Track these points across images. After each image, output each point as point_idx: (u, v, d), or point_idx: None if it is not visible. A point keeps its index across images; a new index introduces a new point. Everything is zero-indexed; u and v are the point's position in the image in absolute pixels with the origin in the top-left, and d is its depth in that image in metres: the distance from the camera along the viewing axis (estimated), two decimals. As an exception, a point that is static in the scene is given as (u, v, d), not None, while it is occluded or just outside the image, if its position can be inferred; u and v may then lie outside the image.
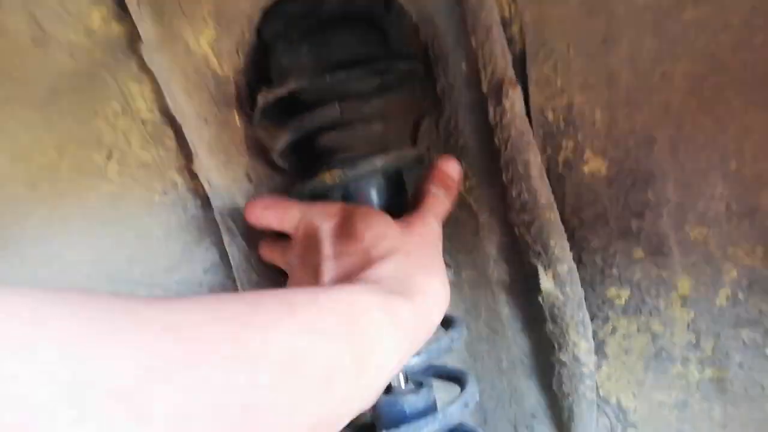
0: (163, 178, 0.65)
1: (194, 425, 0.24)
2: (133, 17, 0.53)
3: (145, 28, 0.55)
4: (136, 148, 0.63)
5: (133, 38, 0.56)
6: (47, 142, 0.60)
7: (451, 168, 0.58)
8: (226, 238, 0.65)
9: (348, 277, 0.46)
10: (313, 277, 0.49)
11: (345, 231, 0.49)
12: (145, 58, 0.57)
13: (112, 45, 0.56)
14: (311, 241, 0.51)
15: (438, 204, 0.55)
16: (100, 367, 0.22)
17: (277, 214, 0.55)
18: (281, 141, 0.57)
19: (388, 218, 0.50)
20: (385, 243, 0.47)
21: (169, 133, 0.63)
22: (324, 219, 0.52)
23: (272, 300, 0.34)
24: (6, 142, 0.59)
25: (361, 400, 0.38)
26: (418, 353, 0.56)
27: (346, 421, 0.36)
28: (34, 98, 0.58)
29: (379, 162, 0.56)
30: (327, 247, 0.49)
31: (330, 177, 0.55)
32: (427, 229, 0.51)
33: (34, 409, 0.19)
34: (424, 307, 0.44)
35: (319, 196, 0.58)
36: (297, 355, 0.31)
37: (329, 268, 0.47)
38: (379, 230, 0.48)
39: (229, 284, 0.69)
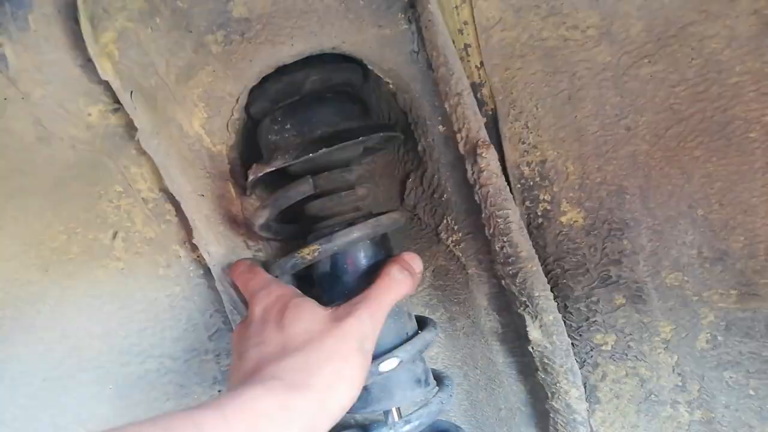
0: (166, 251, 0.68)
1: None
2: (127, 110, 0.58)
3: (139, 117, 0.59)
4: (140, 226, 0.67)
5: (130, 126, 0.61)
6: (56, 227, 0.64)
7: (415, 260, 0.60)
8: (227, 306, 0.68)
9: (260, 366, 0.49)
10: (238, 358, 0.53)
11: (273, 319, 0.53)
12: (142, 144, 0.60)
13: (111, 134, 0.61)
14: (249, 316, 0.57)
15: (392, 288, 0.57)
16: None
17: (241, 280, 0.61)
18: (261, 217, 0.60)
19: (318, 314, 0.53)
20: (303, 336, 0.51)
21: (170, 209, 0.67)
22: (262, 301, 0.56)
23: (184, 422, 0.38)
24: (19, 229, 0.63)
25: None
26: (408, 419, 0.58)
27: None
28: (42, 188, 0.62)
29: (355, 233, 0.58)
30: (253, 330, 0.54)
31: (309, 252, 0.58)
32: (354, 327, 0.52)
33: None
34: (322, 396, 0.47)
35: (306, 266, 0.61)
36: None
37: (249, 359, 0.51)
38: (302, 326, 0.52)
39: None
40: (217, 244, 0.66)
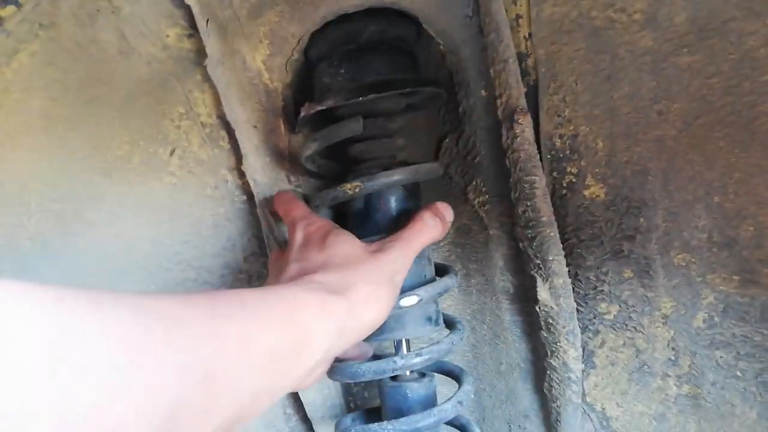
0: (216, 174, 0.74)
1: (169, 376, 0.32)
2: (202, 35, 0.63)
3: (211, 44, 0.64)
4: (195, 147, 0.73)
5: (200, 53, 0.66)
6: (123, 137, 0.70)
7: (447, 210, 0.65)
8: (265, 231, 0.74)
9: (300, 275, 0.54)
10: (278, 273, 0.59)
11: (315, 243, 0.59)
12: (209, 71, 0.66)
13: (183, 58, 0.67)
14: (289, 242, 0.62)
15: (423, 231, 0.61)
16: (104, 339, 0.29)
17: (285, 209, 0.67)
18: (309, 149, 0.65)
19: (356, 244, 0.59)
20: (343, 257, 0.56)
21: (224, 135, 0.73)
22: (304, 229, 0.62)
23: (229, 296, 0.43)
24: (90, 133, 0.70)
25: (295, 378, 0.47)
26: (419, 353, 0.64)
27: (283, 394, 0.47)
28: (114, 99, 0.68)
29: (396, 176, 0.63)
30: (295, 253, 0.59)
31: (351, 188, 0.64)
32: (388, 262, 0.57)
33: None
34: (357, 307, 0.52)
35: (344, 202, 0.67)
36: (248, 338, 0.40)
37: (290, 270, 0.56)
38: (343, 249, 0.57)
39: (264, 273, 0.79)
40: (263, 174, 0.72)
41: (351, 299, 0.52)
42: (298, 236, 0.62)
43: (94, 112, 0.69)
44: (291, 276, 0.55)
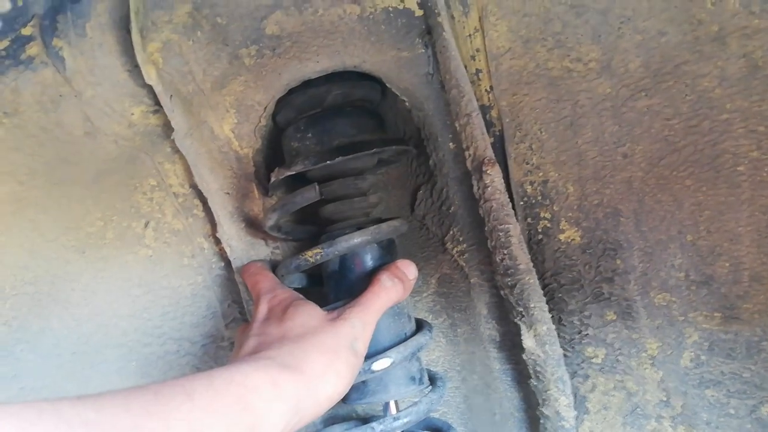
0: (191, 243, 0.74)
1: None
2: (166, 111, 0.63)
3: (177, 119, 0.64)
4: (169, 218, 0.72)
5: (167, 127, 0.66)
6: (95, 214, 0.70)
7: (408, 267, 0.64)
8: (244, 296, 0.73)
9: (256, 351, 0.53)
10: (239, 348, 0.57)
11: (276, 316, 0.58)
12: (177, 143, 0.66)
13: (150, 133, 0.67)
14: (253, 315, 0.62)
15: (381, 294, 0.61)
16: None
17: (251, 281, 0.66)
18: (270, 219, 0.65)
19: (315, 313, 0.58)
20: (300, 329, 0.55)
21: (198, 204, 0.72)
22: (268, 302, 0.61)
23: (174, 389, 0.42)
24: (61, 214, 0.70)
25: None
26: (398, 416, 0.62)
27: None
28: (85, 178, 0.68)
29: (356, 239, 0.63)
30: (256, 327, 0.58)
31: (311, 255, 0.63)
32: (346, 329, 0.56)
33: None
34: (312, 381, 0.51)
35: (319, 264, 0.66)
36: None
37: (248, 346, 0.55)
38: (301, 320, 0.56)
39: (248, 336, 0.78)
40: (239, 240, 0.72)
41: (306, 373, 0.50)
42: (262, 310, 0.61)
43: (64, 193, 0.69)
44: (247, 352, 0.54)
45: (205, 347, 0.77)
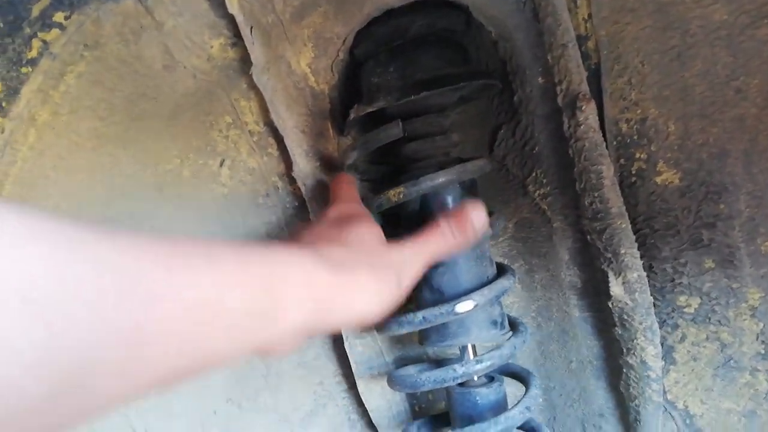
0: (266, 182, 0.73)
1: (76, 327, 0.27)
2: (246, 44, 0.61)
3: (256, 52, 0.62)
4: (245, 156, 0.72)
5: (244, 61, 0.65)
6: (172, 151, 0.70)
7: (476, 215, 0.58)
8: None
9: (310, 244, 0.49)
10: (290, 238, 0.54)
11: (340, 222, 0.55)
12: (254, 78, 0.64)
13: (227, 68, 0.65)
14: (312, 226, 0.57)
15: (437, 240, 0.57)
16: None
17: (336, 189, 0.63)
18: (350, 158, 0.63)
19: (375, 232, 0.54)
20: (354, 240, 0.52)
21: (273, 143, 0.71)
22: (338, 208, 0.58)
23: (196, 249, 0.36)
24: (139, 150, 0.69)
25: (253, 347, 0.40)
26: (481, 359, 0.61)
27: (233, 360, 0.39)
28: (162, 114, 0.68)
29: (440, 179, 0.61)
30: (319, 225, 0.55)
31: (394, 194, 0.61)
32: (396, 259, 0.53)
33: None
34: (348, 291, 0.47)
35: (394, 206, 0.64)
36: (205, 297, 0.35)
37: (304, 237, 0.53)
38: (358, 233, 0.53)
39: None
40: (314, 179, 0.70)
41: (345, 279, 0.47)
42: (330, 214, 0.58)
43: (142, 128, 0.68)
44: (301, 241, 0.51)
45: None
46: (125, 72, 0.63)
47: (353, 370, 0.76)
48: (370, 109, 0.62)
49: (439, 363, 0.74)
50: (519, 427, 0.68)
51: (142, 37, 0.60)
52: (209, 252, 0.37)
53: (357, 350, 0.75)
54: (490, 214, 0.66)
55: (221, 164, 0.72)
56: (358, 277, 0.48)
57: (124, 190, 0.71)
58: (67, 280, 0.28)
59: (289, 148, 0.69)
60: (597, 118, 0.60)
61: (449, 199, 0.64)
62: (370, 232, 0.55)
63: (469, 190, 0.66)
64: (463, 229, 0.58)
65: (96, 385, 0.29)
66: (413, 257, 0.55)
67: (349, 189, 0.64)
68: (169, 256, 0.34)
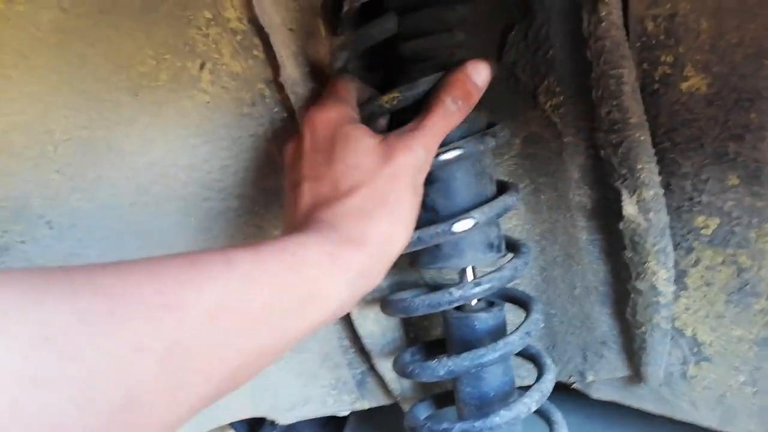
0: (252, 89, 0.67)
1: (116, 362, 0.29)
2: (224, -74, 0.54)
3: (236, -64, 0.55)
4: (227, 59, 0.65)
5: (224, -53, 0.57)
6: (146, 50, 0.63)
7: (481, 73, 0.53)
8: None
9: (314, 209, 0.49)
10: (291, 193, 0.53)
11: (324, 148, 0.51)
12: (235, -34, 0.58)
13: (204, -47, 0.58)
14: (299, 144, 0.55)
15: (445, 118, 0.52)
16: (35, 317, 0.27)
17: (329, 93, 0.58)
18: (340, 60, 0.57)
19: (369, 146, 0.50)
20: (354, 176, 0.48)
21: (258, 43, 0.64)
22: (315, 121, 0.53)
23: (213, 257, 0.38)
24: (110, 50, 0.63)
25: (305, 330, 0.42)
26: (479, 282, 0.57)
27: (292, 346, 0.42)
28: (134, 6, 0.61)
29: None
30: (306, 162, 0.52)
31: (388, 100, 0.55)
32: (408, 159, 0.49)
33: None
34: (378, 253, 0.47)
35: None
36: (229, 303, 0.36)
37: (304, 196, 0.50)
38: (352, 160, 0.49)
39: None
40: (303, 86, 0.64)
41: (372, 242, 0.46)
42: (306, 133, 0.54)
43: (112, 24, 0.62)
44: (304, 212, 0.50)
45: (268, 206, 0.73)
46: (88, -47, 0.56)
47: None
48: (365, 0, 0.55)
49: (436, 287, 0.70)
50: (518, 354, 0.65)
51: None
52: (226, 257, 0.38)
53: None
54: (494, 124, 0.60)
55: (201, 67, 0.65)
56: (381, 230, 0.47)
57: (96, 94, 0.65)
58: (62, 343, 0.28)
59: (275, 50, 0.62)
60: (621, 14, 0.53)
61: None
62: (362, 151, 0.50)
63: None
64: (468, 96, 0.53)
65: (147, 414, 0.31)
66: (425, 146, 0.50)
67: (341, 90, 0.58)
68: (187, 271, 0.35)
